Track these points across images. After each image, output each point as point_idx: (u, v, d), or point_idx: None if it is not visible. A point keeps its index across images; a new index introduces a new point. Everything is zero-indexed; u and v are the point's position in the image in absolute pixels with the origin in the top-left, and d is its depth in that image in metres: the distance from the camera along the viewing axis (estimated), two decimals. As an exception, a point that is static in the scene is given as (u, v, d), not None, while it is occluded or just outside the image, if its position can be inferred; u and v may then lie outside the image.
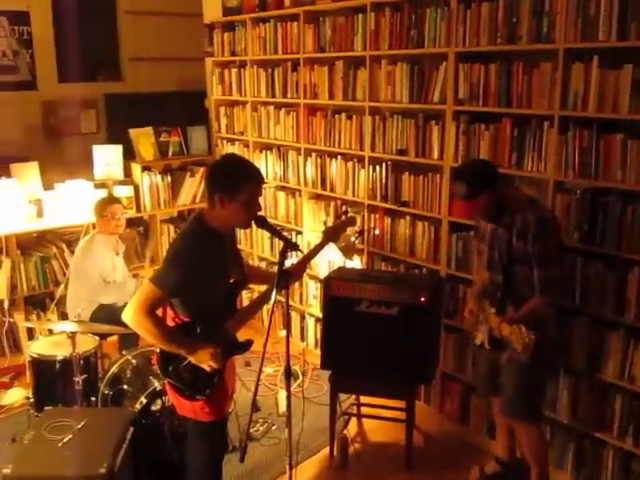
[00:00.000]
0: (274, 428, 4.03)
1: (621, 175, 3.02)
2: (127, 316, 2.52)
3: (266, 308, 3.58)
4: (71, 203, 4.95)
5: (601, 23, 2.97)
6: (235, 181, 2.57)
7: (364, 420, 4.12)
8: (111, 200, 4.58)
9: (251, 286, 4.48)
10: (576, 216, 3.20)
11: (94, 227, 4.53)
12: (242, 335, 2.82)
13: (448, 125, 3.71)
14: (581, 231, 3.19)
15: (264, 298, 2.84)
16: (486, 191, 2.90)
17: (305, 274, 3.60)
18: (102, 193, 5.07)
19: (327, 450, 3.81)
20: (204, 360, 2.59)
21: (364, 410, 4.11)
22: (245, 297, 5.10)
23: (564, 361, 3.28)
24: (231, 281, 2.75)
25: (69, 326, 3.62)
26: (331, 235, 3.23)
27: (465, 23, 3.53)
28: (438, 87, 3.76)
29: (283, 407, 4.18)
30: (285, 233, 3.83)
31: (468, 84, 3.59)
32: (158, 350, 2.67)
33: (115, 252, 4.47)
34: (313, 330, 4.94)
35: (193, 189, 5.58)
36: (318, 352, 4.61)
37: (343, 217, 3.77)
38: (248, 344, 2.78)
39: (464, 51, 3.58)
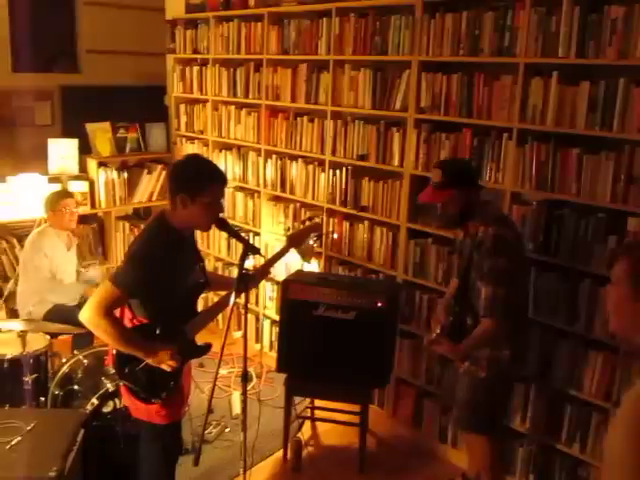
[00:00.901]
0: (227, 430, 4.01)
1: (576, 188, 3.10)
2: (84, 316, 2.48)
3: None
4: (23, 197, 4.82)
5: (561, 40, 3.04)
6: (197, 182, 2.54)
7: (318, 423, 4.13)
8: (65, 194, 4.48)
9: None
10: (532, 227, 3.28)
11: (45, 222, 4.40)
12: (198, 336, 2.80)
13: (409, 133, 3.75)
14: (536, 242, 3.26)
15: (223, 302, 2.82)
16: (457, 187, 2.87)
17: (263, 279, 3.60)
18: (56, 187, 4.95)
19: (281, 453, 3.81)
20: (163, 360, 2.56)
21: (318, 413, 4.12)
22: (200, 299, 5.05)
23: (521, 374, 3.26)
24: (192, 283, 2.72)
25: (19, 324, 3.54)
26: (295, 241, 3.23)
27: (429, 33, 3.57)
28: (400, 95, 3.80)
29: (237, 409, 4.18)
30: (244, 235, 3.81)
31: (430, 93, 3.63)
32: (114, 352, 2.63)
33: (67, 247, 4.37)
34: (268, 332, 4.94)
35: (150, 187, 5.51)
36: (273, 354, 4.61)
37: (307, 223, 3.78)
38: (207, 347, 2.76)
39: (427, 60, 3.63)
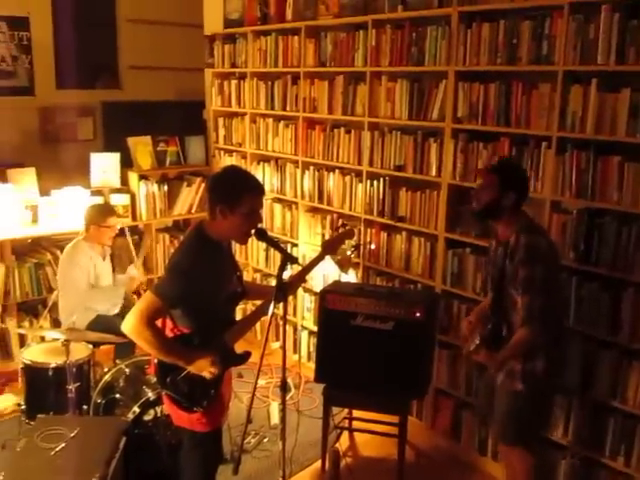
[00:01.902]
0: (266, 440, 4.02)
1: (617, 196, 3.06)
2: (127, 326, 2.52)
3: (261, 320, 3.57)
4: (67, 210, 4.94)
5: (600, 47, 3.02)
6: (236, 193, 2.58)
7: (356, 434, 4.12)
8: (112, 211, 4.49)
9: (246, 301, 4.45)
10: (572, 236, 3.24)
11: (80, 234, 4.43)
12: (236, 346, 2.82)
13: (447, 142, 3.74)
14: (576, 251, 3.22)
15: (261, 311, 2.84)
16: (503, 179, 2.87)
17: (300, 286, 3.62)
18: (98, 200, 5.05)
19: (319, 464, 3.81)
20: (204, 368, 2.59)
21: (356, 424, 4.11)
22: (238, 309, 5.10)
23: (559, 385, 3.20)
24: (230, 292, 2.75)
25: (62, 334, 3.62)
26: (329, 248, 3.24)
27: (466, 42, 3.58)
28: (437, 105, 3.80)
29: (275, 419, 4.19)
30: (283, 246, 3.83)
31: (467, 103, 3.63)
32: (156, 361, 2.67)
33: (102, 257, 4.42)
34: (306, 343, 4.95)
35: (189, 199, 5.59)
36: (311, 365, 4.61)
37: (341, 229, 3.77)
38: (246, 356, 2.78)
39: (464, 70, 3.62)
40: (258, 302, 3.01)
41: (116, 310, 4.31)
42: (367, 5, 4.19)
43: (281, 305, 2.64)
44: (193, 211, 5.60)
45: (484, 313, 3.16)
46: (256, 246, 5.32)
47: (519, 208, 2.92)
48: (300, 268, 3.05)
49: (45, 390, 3.65)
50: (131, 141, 5.41)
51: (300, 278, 3.10)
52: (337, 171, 4.54)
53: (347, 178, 4.46)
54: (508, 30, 3.38)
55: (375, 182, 4.24)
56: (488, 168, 3.07)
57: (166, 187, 5.48)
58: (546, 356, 2.89)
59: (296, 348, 5.01)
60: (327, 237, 4.65)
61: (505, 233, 2.92)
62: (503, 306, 2.96)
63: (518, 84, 3.39)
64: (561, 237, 3.26)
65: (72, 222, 4.91)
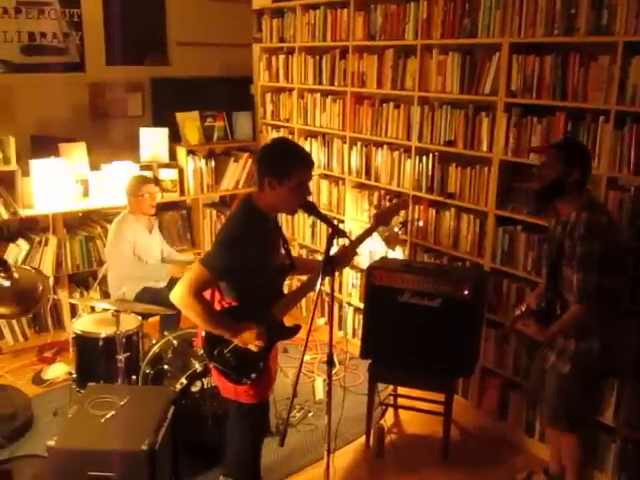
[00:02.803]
0: (310, 415, 4.03)
1: (679, 173, 2.94)
2: (175, 296, 2.55)
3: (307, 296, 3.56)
4: (116, 184, 4.99)
5: (665, 16, 2.89)
6: (285, 165, 2.57)
7: (401, 411, 4.10)
8: (145, 179, 4.53)
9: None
10: (629, 214, 3.13)
11: (126, 208, 4.50)
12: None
13: (499, 117, 3.65)
14: (634, 229, 3.12)
15: (309, 285, 2.83)
16: (567, 155, 2.81)
17: (352, 260, 3.51)
18: (147, 175, 5.10)
19: (363, 439, 3.81)
20: (250, 340, 2.60)
21: (401, 401, 4.09)
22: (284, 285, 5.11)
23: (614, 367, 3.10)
24: (278, 265, 2.74)
25: (112, 305, 3.68)
26: (382, 218, 3.16)
27: (521, 13, 3.46)
28: (490, 78, 3.70)
29: (320, 394, 4.21)
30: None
31: (521, 76, 3.52)
32: (204, 334, 2.69)
33: (148, 230, 4.48)
34: (351, 319, 4.94)
35: (236, 174, 5.59)
36: (356, 341, 4.61)
37: (395, 200, 3.64)
38: (296, 329, 2.77)
39: (519, 42, 3.52)
40: (304, 277, 3.00)
41: (163, 284, 4.36)
42: (418, -24, 4.10)
43: (328, 280, 2.63)
44: (240, 186, 5.61)
45: (539, 292, 3.11)
46: (302, 222, 5.31)
47: (583, 186, 2.84)
48: (348, 242, 3.01)
49: (95, 360, 3.73)
50: (179, 116, 5.44)
51: (350, 251, 3.03)
52: (385, 147, 4.48)
53: (395, 154, 4.39)
54: (566, -1, 3.27)
55: (424, 158, 4.17)
56: (551, 145, 2.97)
57: (213, 162, 5.49)
58: (602, 336, 2.82)
59: (341, 324, 5.01)
60: (376, 204, 4.56)
61: (566, 211, 2.85)
62: (558, 285, 2.90)
63: (575, 56, 3.28)
64: (618, 215, 3.15)
65: (121, 196, 4.97)
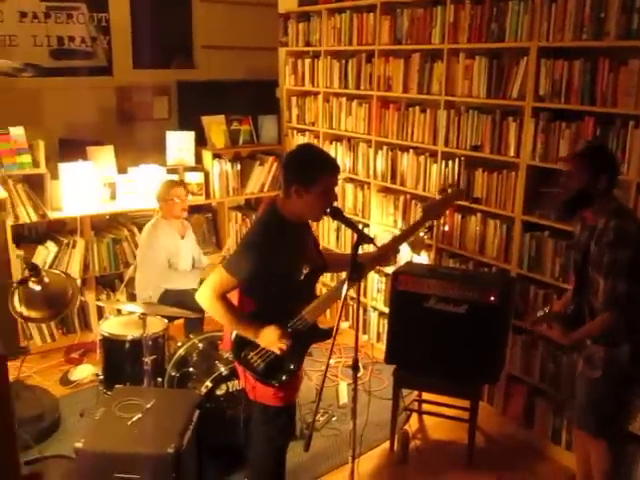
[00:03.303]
0: (334, 419, 4.03)
1: None
2: (200, 297, 2.61)
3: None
4: (143, 187, 5.04)
5: (697, 20, 2.85)
6: (312, 172, 2.56)
7: (425, 417, 4.08)
8: (174, 183, 4.56)
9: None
10: (660, 220, 3.08)
11: (157, 212, 4.54)
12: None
13: (526, 122, 3.62)
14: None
15: (335, 293, 2.79)
16: (593, 162, 2.75)
17: (394, 260, 3.19)
18: (170, 177, 5.14)
19: (387, 444, 3.80)
20: (273, 341, 2.61)
21: (426, 407, 4.07)
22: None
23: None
24: (307, 270, 2.74)
25: (139, 307, 3.71)
26: (432, 211, 2.94)
27: (550, 17, 3.43)
28: (517, 82, 3.68)
29: (344, 399, 4.20)
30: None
31: (550, 80, 3.49)
32: (233, 337, 2.71)
33: (180, 235, 4.51)
34: (376, 324, 4.93)
35: (262, 178, 5.62)
36: (380, 346, 4.60)
37: (449, 190, 3.24)
38: (331, 331, 2.74)
39: (547, 46, 3.49)
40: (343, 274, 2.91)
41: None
42: (445, -20, 4.09)
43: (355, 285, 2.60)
44: (265, 190, 5.63)
45: (566, 298, 3.08)
46: (327, 226, 5.31)
47: (610, 192, 2.80)
48: (391, 238, 2.93)
49: (122, 361, 3.77)
50: (205, 120, 5.47)
51: (393, 248, 2.89)
52: (411, 151, 4.47)
53: (421, 158, 4.38)
54: (596, 3, 3.22)
55: (450, 162, 4.15)
56: (576, 153, 2.92)
57: (239, 166, 5.52)
58: (631, 342, 2.79)
59: (365, 329, 5.00)
60: (446, 185, 4.14)
61: (593, 217, 2.81)
62: (586, 291, 2.87)
63: (605, 61, 3.24)
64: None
65: (148, 199, 5.02)
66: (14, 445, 2.10)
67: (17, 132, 4.60)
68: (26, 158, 4.63)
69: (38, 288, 2.85)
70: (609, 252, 2.71)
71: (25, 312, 3.14)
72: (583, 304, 2.91)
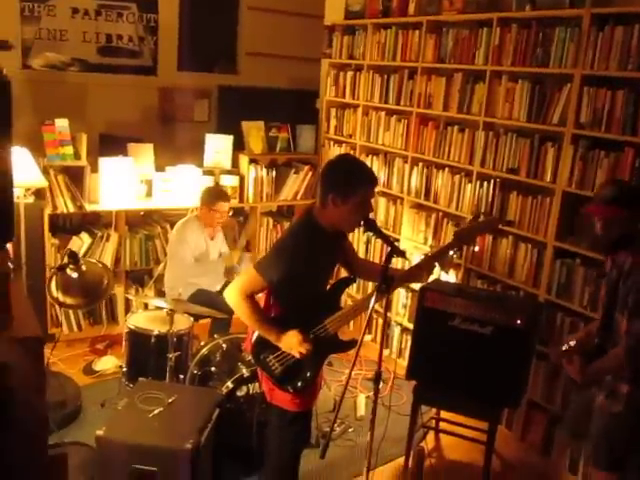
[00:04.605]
0: (350, 430, 4.03)
1: None
2: (228, 294, 2.66)
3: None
4: (179, 186, 5.12)
5: None
6: (350, 183, 2.58)
7: (442, 435, 4.07)
8: (223, 196, 4.59)
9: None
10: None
11: (194, 211, 4.60)
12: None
13: (565, 148, 3.62)
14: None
15: (363, 305, 2.81)
16: (629, 208, 2.67)
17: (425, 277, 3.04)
18: (209, 180, 5.21)
19: (402, 460, 3.77)
20: (293, 346, 2.64)
21: (443, 425, 4.06)
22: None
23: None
24: (334, 280, 2.77)
25: (167, 303, 3.76)
26: (465, 237, 2.91)
27: (596, 46, 3.44)
28: (559, 108, 3.68)
29: (361, 411, 4.20)
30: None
31: (591, 108, 3.49)
32: (254, 338, 2.74)
33: (210, 237, 4.58)
34: (398, 339, 4.93)
35: (296, 186, 5.67)
36: (401, 361, 4.59)
37: (482, 217, 3.12)
38: (352, 343, 2.76)
39: (591, 74, 3.49)
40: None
41: (218, 287, 4.44)
42: (492, 3, 4.10)
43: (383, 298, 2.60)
44: (298, 198, 5.69)
45: (592, 331, 3.04)
46: (357, 238, 5.33)
47: None
48: (424, 257, 2.94)
49: (146, 356, 3.81)
50: (245, 125, 5.54)
51: (427, 267, 2.87)
52: (447, 169, 4.49)
53: (456, 177, 4.39)
54: (643, 35, 3.23)
55: (485, 183, 4.15)
56: (608, 200, 2.72)
57: (274, 172, 5.57)
58: None
59: (388, 343, 5.00)
60: (479, 210, 4.19)
61: (624, 255, 2.77)
62: (609, 329, 2.83)
63: (649, 92, 3.24)
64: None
65: (183, 199, 5.10)
66: (46, 425, 2.14)
67: (62, 124, 4.70)
68: (68, 150, 4.72)
69: (75, 275, 2.92)
70: (634, 293, 2.65)
71: (61, 298, 3.21)
72: (607, 342, 2.88)
